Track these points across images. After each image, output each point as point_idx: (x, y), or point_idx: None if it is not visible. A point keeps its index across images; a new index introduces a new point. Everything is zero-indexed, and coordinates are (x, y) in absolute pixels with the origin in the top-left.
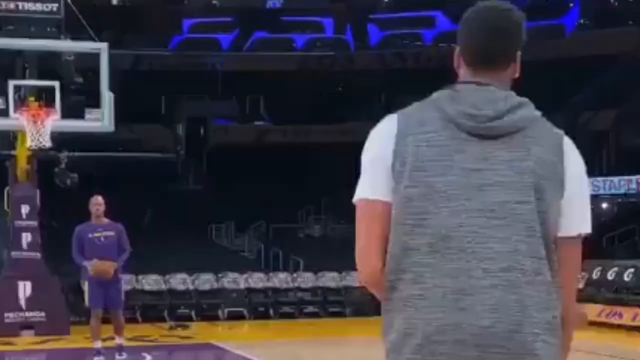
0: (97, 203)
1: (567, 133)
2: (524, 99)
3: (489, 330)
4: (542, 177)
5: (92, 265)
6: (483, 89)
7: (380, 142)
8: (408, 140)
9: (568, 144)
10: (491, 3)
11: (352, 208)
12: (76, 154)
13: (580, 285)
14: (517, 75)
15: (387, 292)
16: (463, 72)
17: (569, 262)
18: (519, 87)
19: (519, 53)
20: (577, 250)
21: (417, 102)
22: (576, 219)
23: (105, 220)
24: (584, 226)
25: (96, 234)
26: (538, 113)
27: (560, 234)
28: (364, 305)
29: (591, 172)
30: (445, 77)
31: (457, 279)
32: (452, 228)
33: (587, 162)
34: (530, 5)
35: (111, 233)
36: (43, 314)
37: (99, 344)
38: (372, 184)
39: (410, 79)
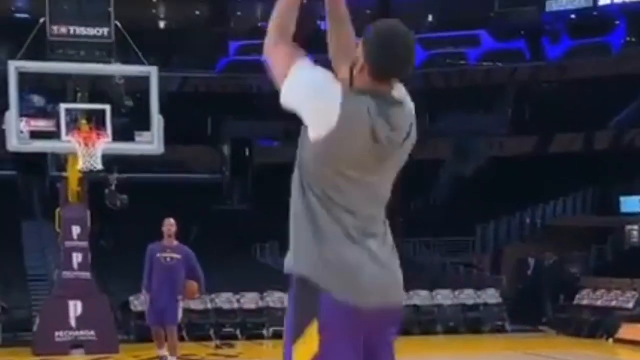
0: (169, 224)
1: (612, 150)
2: (411, 105)
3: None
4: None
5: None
6: (396, 111)
7: (331, 98)
8: (344, 123)
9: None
10: (397, 25)
11: (403, 226)
12: (125, 175)
13: (631, 305)
14: None
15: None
16: (363, 76)
17: None
18: (565, 104)
19: None
20: None
21: (356, 92)
22: None
23: (175, 243)
24: None
25: (164, 254)
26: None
27: None
28: (408, 325)
29: (638, 190)
30: (489, 95)
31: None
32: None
33: (632, 180)
34: (576, 23)
35: (178, 256)
36: (93, 332)
37: (163, 352)
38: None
39: (455, 98)
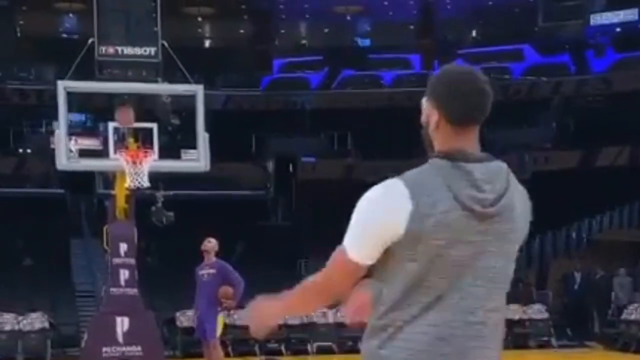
0: (206, 241)
1: None
2: (504, 165)
3: None
4: (519, 243)
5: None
6: (480, 165)
7: (387, 216)
8: (425, 223)
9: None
10: (469, 69)
11: None
12: (171, 192)
13: None
14: None
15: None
16: (441, 131)
17: None
18: (610, 117)
19: None
20: None
21: (420, 171)
22: None
23: (213, 259)
24: None
25: (202, 272)
26: (514, 178)
27: None
28: None
29: None
30: (533, 109)
31: (440, 328)
32: (445, 289)
33: None
34: (621, 36)
35: (212, 270)
36: (139, 348)
37: None
38: (366, 250)
39: (499, 113)
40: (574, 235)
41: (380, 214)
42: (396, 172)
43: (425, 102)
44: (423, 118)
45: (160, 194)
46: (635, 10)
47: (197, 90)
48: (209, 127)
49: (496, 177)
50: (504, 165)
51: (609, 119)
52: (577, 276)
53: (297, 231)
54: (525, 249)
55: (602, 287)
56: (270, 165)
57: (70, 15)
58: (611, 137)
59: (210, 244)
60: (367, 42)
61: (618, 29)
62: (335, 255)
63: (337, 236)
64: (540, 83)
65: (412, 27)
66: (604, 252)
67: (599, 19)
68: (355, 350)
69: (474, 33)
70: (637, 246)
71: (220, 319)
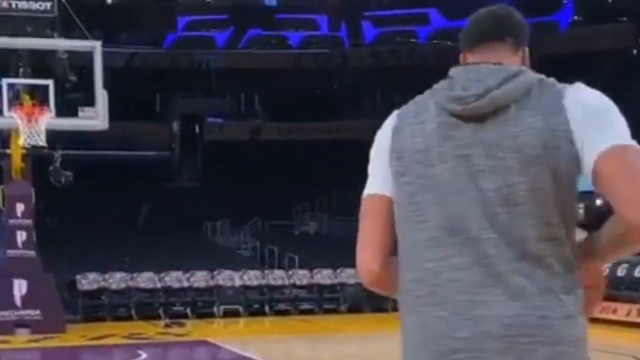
0: None
1: None
2: (522, 68)
3: (515, 319)
4: (541, 149)
5: None
6: (474, 67)
7: (380, 139)
8: (402, 135)
9: (570, 98)
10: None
11: (347, 205)
12: (70, 152)
13: None
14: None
15: (400, 294)
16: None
17: (613, 179)
18: None
19: (524, 44)
20: (618, 161)
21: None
22: (598, 142)
23: None
24: (613, 139)
25: None
26: (535, 78)
27: (590, 169)
28: (359, 302)
29: None
30: (440, 74)
31: (467, 271)
32: (453, 220)
33: None
34: (523, 1)
35: None
36: (38, 312)
37: None
38: (373, 180)
39: (405, 76)
40: None
41: (376, 142)
42: (303, 134)
43: None
44: None
45: (58, 153)
46: None
47: (95, 46)
48: (111, 86)
49: (494, 73)
50: (530, 74)
51: None
52: None
53: (203, 193)
54: None
55: None
56: (176, 126)
57: None
58: None
59: None
60: (273, 2)
61: None
62: None
63: (245, 197)
64: (445, 47)
65: None
66: None
67: None
68: (261, 313)
69: None
70: None
71: None
